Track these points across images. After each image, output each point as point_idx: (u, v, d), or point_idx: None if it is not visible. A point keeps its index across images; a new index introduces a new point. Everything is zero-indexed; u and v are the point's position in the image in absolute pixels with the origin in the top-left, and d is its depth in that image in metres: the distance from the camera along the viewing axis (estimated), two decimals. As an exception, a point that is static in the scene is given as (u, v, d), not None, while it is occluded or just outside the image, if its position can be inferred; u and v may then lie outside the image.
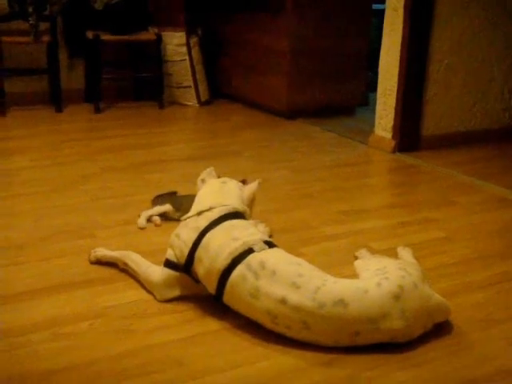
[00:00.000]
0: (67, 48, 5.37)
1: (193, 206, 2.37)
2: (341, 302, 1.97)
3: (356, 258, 2.62)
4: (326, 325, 1.99)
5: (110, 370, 1.91)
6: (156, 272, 2.31)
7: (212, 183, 2.43)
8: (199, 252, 2.19)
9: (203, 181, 2.44)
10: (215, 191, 2.38)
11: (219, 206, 2.29)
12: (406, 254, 2.59)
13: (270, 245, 2.18)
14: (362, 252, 2.64)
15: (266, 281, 2.04)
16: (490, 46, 4.40)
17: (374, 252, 2.65)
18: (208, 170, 2.49)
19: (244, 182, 2.55)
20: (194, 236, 2.22)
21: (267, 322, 2.06)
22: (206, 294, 2.24)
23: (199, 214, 2.29)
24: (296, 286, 2.01)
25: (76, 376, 1.89)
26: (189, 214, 2.33)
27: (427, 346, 2.06)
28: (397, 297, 1.99)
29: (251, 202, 2.44)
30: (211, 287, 2.17)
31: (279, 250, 2.19)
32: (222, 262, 2.12)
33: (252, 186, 2.46)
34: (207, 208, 2.29)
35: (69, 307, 2.25)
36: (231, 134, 4.65)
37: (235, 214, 2.29)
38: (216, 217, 2.25)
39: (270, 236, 2.72)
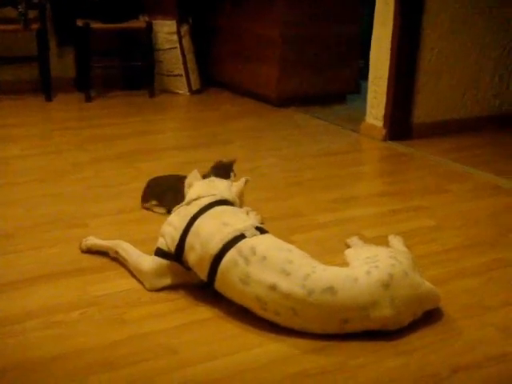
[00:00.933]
0: (57, 36, 5.33)
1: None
2: (330, 290, 1.98)
3: (347, 245, 2.63)
4: (315, 312, 2.00)
5: (102, 359, 1.91)
6: (146, 261, 2.31)
7: (200, 183, 2.44)
8: (190, 238, 2.19)
9: (190, 185, 2.43)
10: (204, 186, 2.40)
11: (208, 195, 2.31)
12: (397, 242, 2.60)
13: (262, 231, 2.19)
14: (354, 240, 2.65)
15: (257, 266, 2.05)
16: (481, 33, 4.40)
17: (365, 240, 2.66)
18: (193, 172, 2.48)
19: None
20: (184, 223, 2.23)
21: (257, 308, 2.07)
22: (196, 282, 2.25)
23: (189, 203, 2.31)
24: (286, 273, 2.02)
25: (68, 365, 1.89)
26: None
27: (417, 333, 2.07)
28: (386, 285, 2.00)
29: (239, 198, 2.45)
30: (203, 273, 2.17)
31: (270, 236, 2.20)
32: (214, 247, 2.12)
33: (239, 184, 2.47)
34: (196, 197, 2.31)
35: (61, 296, 2.25)
36: (222, 123, 4.65)
37: (224, 202, 2.30)
38: (206, 203, 2.26)
39: (262, 224, 2.72)
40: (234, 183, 2.48)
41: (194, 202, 2.30)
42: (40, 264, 2.47)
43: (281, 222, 2.89)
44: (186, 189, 2.43)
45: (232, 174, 2.90)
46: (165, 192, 2.93)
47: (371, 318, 2.00)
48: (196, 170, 2.49)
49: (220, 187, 2.39)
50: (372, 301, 1.98)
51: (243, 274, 2.06)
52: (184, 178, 2.54)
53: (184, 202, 2.35)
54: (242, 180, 2.48)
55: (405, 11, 4.04)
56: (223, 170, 2.89)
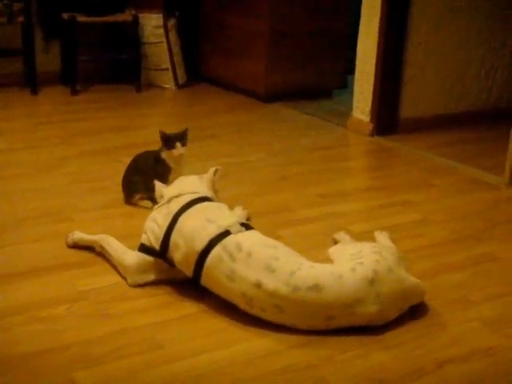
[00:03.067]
0: (42, 29, 5.29)
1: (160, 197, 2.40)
2: (315, 287, 1.99)
3: (335, 240, 2.63)
4: (300, 309, 2.00)
5: (88, 354, 1.91)
6: (130, 256, 2.31)
7: (172, 185, 2.43)
8: (174, 236, 2.19)
9: (161, 195, 2.40)
10: (179, 184, 2.40)
11: (188, 192, 2.31)
12: (382, 238, 2.60)
13: (247, 227, 2.19)
14: (341, 235, 2.65)
15: (242, 263, 2.05)
16: (468, 27, 4.41)
17: (352, 235, 2.66)
18: (157, 185, 2.43)
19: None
20: (167, 221, 2.23)
21: (242, 304, 2.07)
22: (180, 278, 2.24)
23: (169, 201, 2.31)
24: (271, 270, 2.02)
25: (54, 359, 1.88)
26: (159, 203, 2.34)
27: (403, 328, 2.08)
28: (371, 281, 2.00)
29: (212, 189, 2.44)
30: (188, 270, 2.17)
31: (256, 233, 2.20)
32: (199, 244, 2.12)
33: (209, 175, 2.45)
34: (176, 194, 2.31)
35: (46, 291, 2.24)
36: (209, 117, 4.63)
37: (205, 199, 2.30)
38: (187, 200, 2.26)
39: (248, 219, 2.72)
40: (204, 175, 2.46)
41: (174, 200, 2.30)
42: (26, 259, 2.46)
43: (268, 217, 2.89)
44: (158, 199, 2.41)
45: (178, 144, 2.90)
46: (144, 181, 2.90)
47: (357, 315, 2.00)
48: (156, 182, 2.45)
49: (193, 183, 2.39)
50: (357, 297, 1.99)
51: (229, 270, 2.06)
52: (152, 153, 2.80)
53: (164, 200, 2.34)
54: (211, 170, 2.47)
55: (391, 6, 4.04)
56: (170, 141, 2.93)
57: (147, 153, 3.02)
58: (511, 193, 3.35)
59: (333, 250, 2.36)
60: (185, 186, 2.38)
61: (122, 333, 2.02)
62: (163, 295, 2.23)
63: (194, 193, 2.32)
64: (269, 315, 2.04)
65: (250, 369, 1.87)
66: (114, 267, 2.38)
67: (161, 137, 2.94)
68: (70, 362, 1.87)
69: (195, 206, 2.25)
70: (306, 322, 2.02)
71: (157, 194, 2.42)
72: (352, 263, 2.06)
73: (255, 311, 2.06)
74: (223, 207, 2.31)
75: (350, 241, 2.57)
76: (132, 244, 2.37)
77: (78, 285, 2.28)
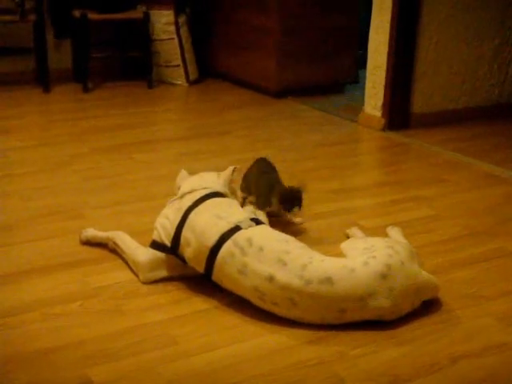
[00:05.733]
0: (54, 27, 5.31)
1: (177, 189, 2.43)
2: (327, 280, 1.99)
3: (347, 235, 2.62)
4: (313, 302, 2.00)
5: (102, 350, 1.92)
6: (142, 253, 2.32)
7: (191, 179, 2.46)
8: (185, 232, 2.20)
9: (179, 186, 2.44)
10: (195, 180, 2.43)
11: (200, 188, 2.33)
12: (395, 233, 2.59)
13: (257, 222, 2.19)
14: (353, 230, 2.64)
15: (254, 257, 2.06)
16: (480, 22, 4.38)
17: (364, 230, 2.66)
18: (181, 174, 2.49)
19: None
20: (178, 216, 2.24)
21: (255, 299, 2.08)
22: (192, 274, 2.25)
23: (182, 196, 2.33)
24: (283, 263, 2.03)
25: (68, 356, 1.89)
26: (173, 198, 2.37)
27: (416, 323, 2.07)
28: (384, 276, 2.00)
29: (229, 187, 2.46)
30: (200, 266, 2.17)
31: (266, 227, 2.21)
32: (210, 239, 2.13)
33: (227, 173, 2.48)
34: (189, 190, 2.33)
35: (59, 288, 2.25)
36: (220, 113, 4.64)
37: (216, 194, 2.32)
38: (198, 197, 2.28)
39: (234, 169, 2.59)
40: (221, 173, 2.49)
41: (187, 196, 2.32)
42: (38, 256, 2.47)
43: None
44: (176, 191, 2.44)
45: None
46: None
47: (369, 309, 2.00)
48: (183, 170, 2.50)
49: (208, 180, 2.41)
50: (369, 291, 1.99)
51: (240, 264, 2.07)
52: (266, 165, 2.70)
53: (177, 196, 2.37)
54: (230, 169, 2.49)
55: (402, 0, 4.02)
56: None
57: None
58: (524, 188, 3.33)
59: (345, 245, 2.36)
60: (199, 181, 2.40)
61: (135, 329, 2.03)
62: (175, 291, 2.24)
63: (206, 188, 2.33)
64: (281, 309, 2.04)
65: (263, 364, 1.87)
66: (127, 263, 2.39)
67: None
68: (84, 358, 1.88)
69: (206, 202, 2.26)
70: (319, 315, 2.02)
71: (177, 182, 2.46)
72: (364, 257, 2.06)
73: (268, 306, 2.06)
74: (234, 203, 2.32)
75: (362, 236, 2.57)
76: (144, 241, 2.38)
77: (90, 281, 2.29)
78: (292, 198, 2.65)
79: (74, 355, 1.90)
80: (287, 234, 2.21)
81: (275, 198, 2.63)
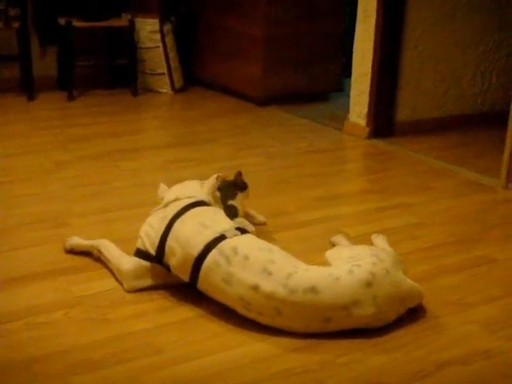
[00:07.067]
0: (38, 34, 5.29)
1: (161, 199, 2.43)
2: (312, 290, 1.99)
3: (332, 243, 2.63)
4: (298, 311, 2.00)
5: (86, 359, 1.91)
6: (127, 261, 2.31)
7: (174, 188, 2.45)
8: (170, 241, 2.20)
9: (162, 197, 2.44)
10: (179, 189, 2.42)
11: (184, 197, 2.33)
12: (380, 241, 2.60)
13: (242, 231, 2.19)
14: (338, 237, 2.65)
15: (239, 266, 2.06)
16: (463, 31, 4.41)
17: (349, 238, 2.66)
18: (160, 187, 2.48)
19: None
20: (163, 226, 2.23)
21: (240, 308, 2.08)
22: (177, 283, 2.25)
23: (166, 205, 2.33)
24: (268, 273, 2.03)
25: (52, 365, 1.88)
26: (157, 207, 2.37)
27: (401, 330, 2.08)
28: (368, 284, 2.01)
29: (212, 195, 2.46)
30: (185, 275, 2.17)
31: (251, 236, 2.21)
32: (195, 248, 2.12)
33: (210, 181, 2.48)
34: (173, 199, 2.33)
35: (43, 296, 2.24)
36: (205, 121, 4.63)
37: (201, 203, 2.32)
38: (183, 205, 2.28)
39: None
40: (205, 181, 2.49)
41: (171, 204, 2.32)
42: (22, 264, 2.45)
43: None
44: (159, 200, 2.44)
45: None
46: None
47: (354, 317, 2.00)
48: (162, 184, 2.49)
49: (192, 188, 2.41)
50: (354, 300, 1.99)
51: (226, 273, 2.07)
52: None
53: (162, 204, 2.36)
54: (213, 177, 2.49)
55: (387, 9, 4.05)
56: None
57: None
58: (508, 195, 3.36)
59: (330, 253, 2.36)
60: (183, 190, 2.40)
61: (120, 337, 2.02)
62: (160, 300, 2.23)
63: (190, 197, 2.33)
64: (266, 318, 2.04)
65: (248, 373, 1.87)
66: (111, 272, 2.38)
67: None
68: (69, 367, 1.87)
69: (191, 211, 2.26)
70: (304, 324, 2.02)
71: (158, 195, 2.45)
72: (349, 265, 2.06)
73: (253, 315, 2.06)
74: (218, 212, 2.32)
75: (347, 244, 2.57)
76: (129, 248, 2.37)
77: (75, 290, 2.28)
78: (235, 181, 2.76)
79: (59, 364, 1.88)
80: (271, 243, 2.21)
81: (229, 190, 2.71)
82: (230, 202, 2.64)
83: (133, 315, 2.14)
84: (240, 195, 2.71)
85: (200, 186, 2.46)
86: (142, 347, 1.97)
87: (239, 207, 2.66)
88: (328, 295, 1.99)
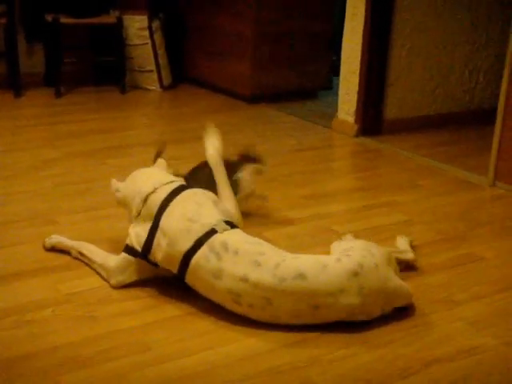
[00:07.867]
0: (25, 31, 5.26)
1: (132, 198, 2.33)
2: (300, 276, 2.01)
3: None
4: (287, 299, 2.01)
5: (74, 357, 1.90)
6: (112, 259, 2.31)
7: (130, 177, 2.42)
8: (158, 237, 2.18)
9: (118, 190, 2.41)
10: (148, 178, 2.36)
11: (161, 185, 2.29)
12: (403, 242, 2.58)
13: (231, 225, 2.19)
14: (347, 237, 2.63)
15: (229, 262, 2.06)
16: (451, 29, 4.43)
17: (337, 235, 2.66)
18: (112, 182, 2.43)
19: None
20: (149, 223, 2.21)
21: (229, 303, 2.07)
22: (164, 275, 2.25)
23: (145, 200, 2.27)
24: (257, 264, 2.04)
25: (40, 363, 1.87)
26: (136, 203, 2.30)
27: (389, 328, 2.08)
28: (355, 273, 2.02)
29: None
30: (173, 268, 2.17)
31: (240, 231, 2.21)
32: (184, 245, 2.12)
33: (162, 164, 2.47)
34: (152, 190, 2.28)
35: (31, 294, 2.22)
36: (194, 119, 4.62)
37: (181, 188, 2.29)
38: (163, 197, 2.24)
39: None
40: (157, 165, 2.47)
41: (150, 198, 2.26)
42: (10, 262, 2.44)
43: (254, 218, 2.89)
44: (116, 195, 2.40)
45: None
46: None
47: (340, 305, 2.01)
48: (111, 178, 2.45)
49: (159, 174, 2.38)
50: (341, 287, 2.01)
51: (216, 269, 2.06)
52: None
53: (141, 200, 2.28)
54: (161, 161, 2.49)
55: (375, 7, 4.05)
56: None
57: None
58: (495, 193, 3.37)
59: (332, 246, 2.36)
60: (154, 177, 2.35)
61: (108, 335, 2.01)
62: (148, 298, 2.23)
63: (168, 183, 2.30)
64: (257, 311, 2.04)
65: (237, 370, 1.87)
66: (96, 271, 2.37)
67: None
68: (57, 365, 1.86)
69: (175, 201, 2.22)
70: (294, 312, 2.03)
71: (112, 188, 2.41)
72: (339, 255, 2.09)
73: (243, 309, 2.06)
74: (202, 202, 2.25)
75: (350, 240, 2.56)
76: (117, 246, 2.36)
77: (62, 288, 2.27)
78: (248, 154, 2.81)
79: (46, 362, 1.87)
80: (262, 239, 2.21)
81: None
82: (236, 176, 2.67)
83: (120, 313, 2.14)
84: (249, 169, 2.70)
85: (159, 169, 2.43)
86: (131, 345, 1.96)
87: (244, 183, 2.67)
88: (315, 281, 2.00)
